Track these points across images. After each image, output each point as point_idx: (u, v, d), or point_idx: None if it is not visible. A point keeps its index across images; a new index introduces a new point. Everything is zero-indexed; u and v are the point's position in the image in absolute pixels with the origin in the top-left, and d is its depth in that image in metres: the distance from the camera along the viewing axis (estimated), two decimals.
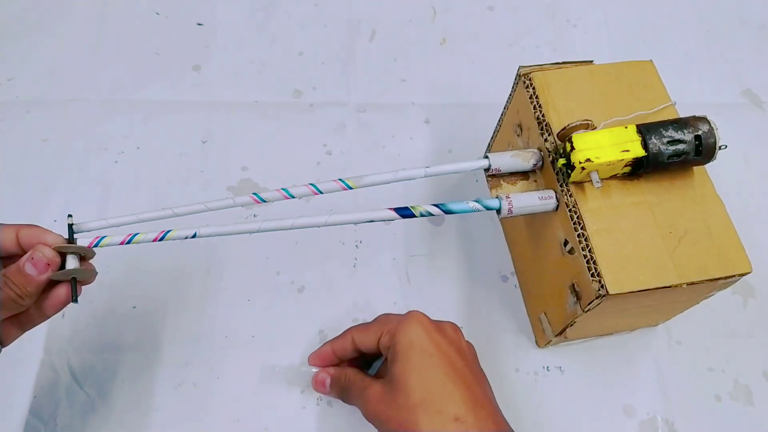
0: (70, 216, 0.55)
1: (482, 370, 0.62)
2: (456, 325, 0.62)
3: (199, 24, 0.94)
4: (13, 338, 0.54)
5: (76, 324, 0.73)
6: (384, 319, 0.62)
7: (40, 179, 0.81)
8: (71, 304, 0.53)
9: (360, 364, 0.69)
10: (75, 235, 0.54)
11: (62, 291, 0.53)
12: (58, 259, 0.52)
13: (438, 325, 0.60)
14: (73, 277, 0.52)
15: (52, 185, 0.81)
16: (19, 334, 0.54)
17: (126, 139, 0.85)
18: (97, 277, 0.55)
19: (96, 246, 0.53)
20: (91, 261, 0.56)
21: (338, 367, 0.67)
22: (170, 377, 0.71)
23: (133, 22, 0.94)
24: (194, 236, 0.54)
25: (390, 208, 0.57)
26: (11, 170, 0.82)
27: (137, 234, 0.54)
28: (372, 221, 0.58)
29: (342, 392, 0.64)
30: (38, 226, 0.52)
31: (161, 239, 0.54)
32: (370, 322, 0.64)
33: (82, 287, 0.54)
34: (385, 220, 0.58)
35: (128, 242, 0.54)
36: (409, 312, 0.60)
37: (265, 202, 0.58)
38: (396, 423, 0.54)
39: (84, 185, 0.81)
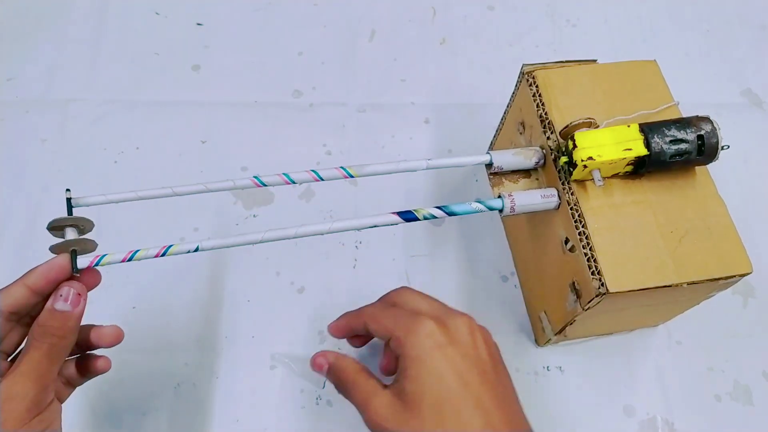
0: (68, 190, 0.55)
1: (504, 366, 0.55)
2: (470, 322, 0.54)
3: (199, 24, 0.94)
4: (67, 395, 0.56)
5: None
6: (396, 318, 0.54)
7: (40, 179, 0.81)
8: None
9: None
10: (73, 209, 0.54)
11: (107, 330, 0.56)
12: (85, 292, 0.52)
13: (448, 330, 0.52)
14: (73, 249, 0.52)
15: (51, 185, 0.81)
16: (70, 390, 0.56)
17: (126, 139, 0.85)
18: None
19: (96, 265, 0.52)
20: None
21: (342, 355, 0.57)
22: (170, 377, 0.71)
23: (133, 22, 0.94)
24: (197, 250, 0.53)
25: (393, 213, 0.57)
26: (11, 170, 0.82)
27: (138, 251, 0.53)
28: (375, 226, 0.58)
29: (341, 386, 0.56)
30: (40, 265, 0.51)
31: (163, 254, 0.53)
32: (383, 313, 0.56)
33: None
34: (388, 225, 0.58)
35: (129, 259, 0.53)
36: (418, 319, 0.52)
37: (265, 185, 0.58)
38: None
39: (83, 185, 0.80)
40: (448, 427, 0.48)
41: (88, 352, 0.56)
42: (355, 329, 0.59)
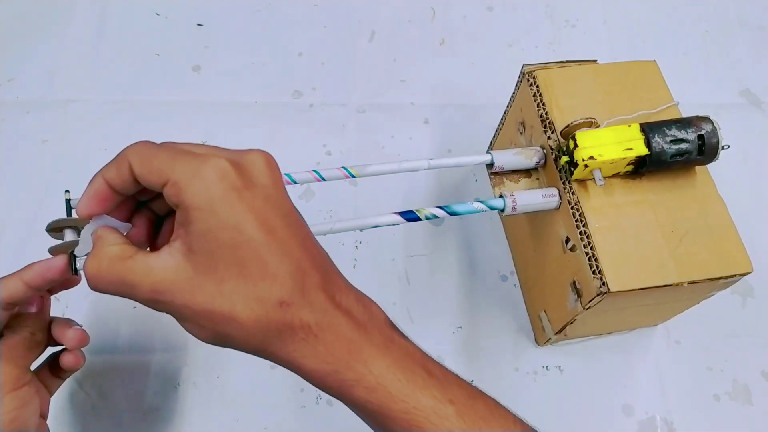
0: (67, 191, 0.55)
1: (302, 219, 0.47)
2: (266, 156, 0.46)
3: (199, 24, 0.94)
4: (57, 387, 0.58)
5: None
6: (175, 156, 0.43)
7: (40, 179, 0.81)
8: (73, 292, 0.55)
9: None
10: (72, 210, 0.54)
11: (70, 334, 0.54)
12: (48, 295, 0.55)
13: (243, 170, 0.43)
14: (71, 251, 0.52)
15: (52, 185, 0.81)
16: (59, 382, 0.58)
17: (126, 140, 0.82)
18: None
19: None
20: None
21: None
22: (170, 377, 0.72)
23: (133, 23, 0.94)
24: None
25: (395, 213, 0.57)
26: (11, 170, 0.82)
27: None
28: (377, 226, 0.58)
29: (106, 271, 0.44)
30: (38, 263, 0.51)
31: None
32: (157, 150, 0.44)
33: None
34: (390, 225, 0.58)
35: None
36: (205, 158, 0.42)
37: None
38: (206, 318, 0.42)
39: (84, 185, 0.80)
40: (256, 281, 0.42)
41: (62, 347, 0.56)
42: (118, 184, 0.45)
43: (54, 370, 0.57)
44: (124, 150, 0.45)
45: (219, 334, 0.43)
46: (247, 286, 0.41)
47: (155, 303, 0.43)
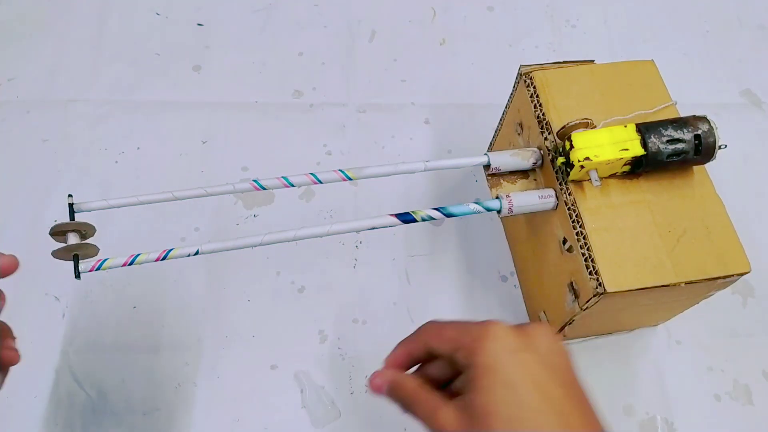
0: (70, 196, 0.55)
1: (577, 378, 0.48)
2: (549, 328, 0.49)
3: (199, 24, 0.94)
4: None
5: (76, 324, 0.73)
6: (462, 327, 0.49)
7: (40, 179, 0.81)
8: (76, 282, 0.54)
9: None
10: (75, 214, 0.55)
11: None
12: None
13: (524, 336, 0.47)
14: (74, 254, 0.52)
15: (52, 185, 0.81)
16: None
17: (126, 139, 0.85)
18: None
19: (98, 269, 0.53)
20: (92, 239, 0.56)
21: (399, 372, 0.54)
22: (170, 377, 0.72)
23: (133, 23, 0.94)
24: (197, 253, 0.54)
25: (391, 215, 0.57)
26: (11, 170, 0.82)
27: (139, 255, 0.54)
28: (373, 228, 0.58)
29: (403, 402, 0.51)
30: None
31: (164, 258, 0.54)
32: (445, 325, 0.51)
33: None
34: (387, 227, 0.58)
35: (131, 263, 0.53)
36: (488, 325, 0.47)
37: (264, 189, 0.58)
38: None
39: (84, 185, 0.81)
40: None
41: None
42: (415, 355, 0.53)
43: None
44: (419, 329, 0.52)
45: None
46: None
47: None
